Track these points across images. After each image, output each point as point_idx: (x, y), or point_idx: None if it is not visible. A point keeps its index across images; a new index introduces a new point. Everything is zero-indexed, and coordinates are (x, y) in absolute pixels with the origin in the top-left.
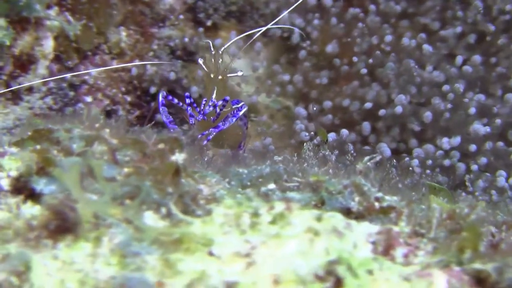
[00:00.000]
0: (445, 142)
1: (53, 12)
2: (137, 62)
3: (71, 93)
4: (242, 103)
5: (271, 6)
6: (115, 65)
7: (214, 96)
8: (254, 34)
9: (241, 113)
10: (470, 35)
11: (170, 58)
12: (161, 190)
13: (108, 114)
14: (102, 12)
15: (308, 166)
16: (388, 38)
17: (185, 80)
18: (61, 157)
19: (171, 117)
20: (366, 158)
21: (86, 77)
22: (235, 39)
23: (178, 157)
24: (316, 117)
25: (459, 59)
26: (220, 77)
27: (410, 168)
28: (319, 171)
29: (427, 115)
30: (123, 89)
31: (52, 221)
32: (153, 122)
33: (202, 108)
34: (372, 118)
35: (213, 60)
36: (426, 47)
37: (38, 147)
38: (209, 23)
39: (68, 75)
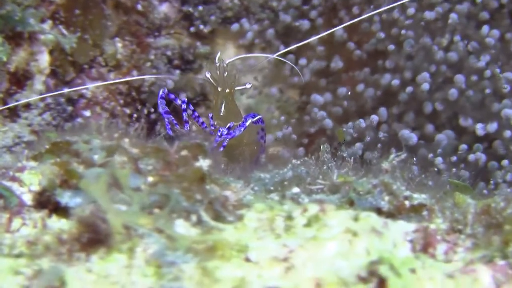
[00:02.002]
0: (480, 128)
1: (47, 26)
2: (137, 76)
3: (69, 108)
4: (259, 116)
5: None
6: (112, 77)
7: (222, 109)
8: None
9: (248, 122)
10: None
11: (168, 68)
12: (190, 197)
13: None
14: (97, 24)
15: (327, 168)
16: (411, 10)
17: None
18: (83, 169)
19: (167, 108)
20: (392, 156)
21: (84, 91)
22: (242, 56)
23: (203, 163)
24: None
25: (485, 29)
26: (227, 90)
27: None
28: (343, 172)
29: (452, 92)
30: (122, 101)
31: (83, 234)
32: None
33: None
34: (385, 104)
35: (218, 72)
36: (454, 16)
37: (58, 159)
38: (205, 30)
39: (67, 91)
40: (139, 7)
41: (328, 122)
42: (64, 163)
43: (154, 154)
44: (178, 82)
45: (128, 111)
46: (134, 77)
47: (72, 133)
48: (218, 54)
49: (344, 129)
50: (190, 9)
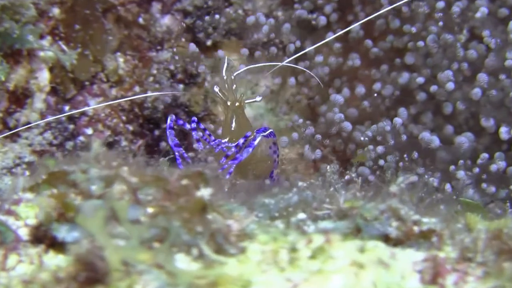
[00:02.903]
0: (504, 132)
1: (46, 42)
2: (141, 94)
3: (71, 126)
4: (270, 130)
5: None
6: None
7: (233, 124)
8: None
9: (256, 141)
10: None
11: (171, 83)
12: (191, 230)
13: (110, 145)
14: (98, 39)
15: (334, 190)
16: (441, 4)
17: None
18: (80, 200)
19: (177, 140)
20: (400, 179)
21: (85, 108)
22: (249, 66)
23: (204, 192)
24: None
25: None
26: (237, 103)
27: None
28: (351, 196)
29: (476, 91)
30: (124, 118)
31: (81, 272)
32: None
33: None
34: (401, 104)
35: (227, 86)
36: (483, 10)
37: (55, 191)
38: (209, 42)
39: (74, 112)
40: (141, 20)
41: (347, 125)
42: (61, 195)
43: (154, 183)
44: (181, 96)
45: (131, 128)
46: (140, 94)
47: (71, 161)
48: (225, 66)
49: (362, 152)
50: (193, 21)
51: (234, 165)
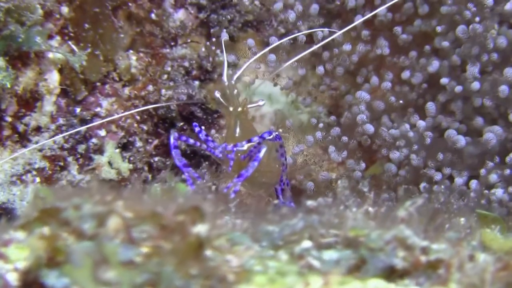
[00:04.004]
0: None
1: (55, 42)
2: (162, 103)
3: (83, 129)
4: (275, 133)
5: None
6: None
7: (237, 130)
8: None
9: (261, 154)
10: None
11: (186, 80)
12: (185, 274)
13: (125, 146)
14: (108, 38)
15: (345, 208)
16: None
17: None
18: (72, 240)
19: (184, 159)
20: (408, 203)
21: (98, 109)
22: (248, 63)
23: (201, 229)
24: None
25: None
26: (240, 109)
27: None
28: (358, 223)
29: (503, 89)
30: (138, 117)
31: None
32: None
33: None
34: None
35: (228, 91)
36: None
37: (46, 230)
38: (225, 36)
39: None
40: (153, 16)
41: (369, 127)
42: (51, 238)
43: (150, 219)
44: (197, 93)
45: (145, 127)
46: (158, 104)
47: (65, 193)
48: (225, 71)
49: (376, 164)
50: (207, 15)
51: (240, 183)
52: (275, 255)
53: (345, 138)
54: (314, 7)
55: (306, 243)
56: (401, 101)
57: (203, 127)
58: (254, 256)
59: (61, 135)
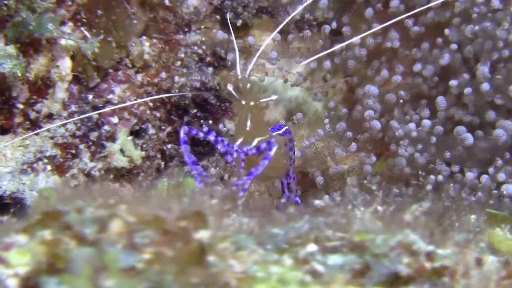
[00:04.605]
0: None
1: (67, 28)
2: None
3: (95, 116)
4: (285, 127)
5: None
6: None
7: (248, 124)
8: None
9: (272, 152)
10: None
11: (200, 66)
12: (185, 282)
13: (137, 133)
14: (121, 24)
15: (352, 208)
16: None
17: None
18: (74, 245)
19: (193, 156)
20: (414, 206)
21: (110, 96)
22: (259, 51)
23: (203, 235)
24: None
25: None
26: (252, 102)
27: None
28: (364, 224)
29: None
30: (151, 104)
31: None
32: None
33: (237, 148)
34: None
35: (241, 84)
36: None
37: (47, 234)
38: (239, 22)
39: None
40: (166, 2)
41: (376, 124)
42: (53, 243)
43: (152, 224)
44: (210, 80)
45: (158, 114)
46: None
47: (67, 197)
48: (238, 64)
49: (382, 160)
50: (221, 1)
51: (250, 181)
52: (279, 260)
53: (349, 134)
54: (323, 2)
55: (311, 247)
56: (406, 94)
57: (212, 132)
58: (257, 261)
59: (66, 121)
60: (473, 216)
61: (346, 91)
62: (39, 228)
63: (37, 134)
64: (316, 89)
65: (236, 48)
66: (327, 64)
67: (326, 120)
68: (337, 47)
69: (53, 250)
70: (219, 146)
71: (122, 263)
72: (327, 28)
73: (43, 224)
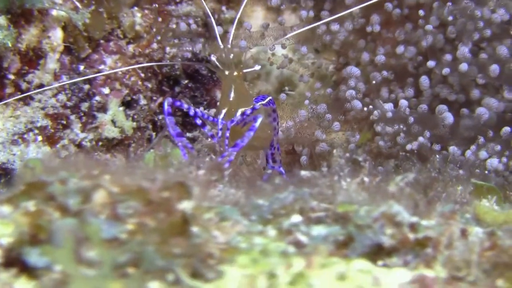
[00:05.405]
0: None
1: None
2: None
3: (86, 87)
4: (269, 98)
5: None
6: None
7: (232, 94)
8: None
9: (257, 124)
10: None
11: (191, 37)
12: (167, 253)
13: (129, 104)
14: None
15: (339, 179)
16: None
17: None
18: (57, 216)
19: (178, 128)
20: (398, 178)
21: (102, 67)
22: (234, 23)
23: (186, 206)
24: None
25: None
26: (235, 73)
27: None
28: (349, 195)
29: (494, 68)
30: (142, 75)
31: None
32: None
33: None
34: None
35: (224, 54)
36: None
37: (31, 205)
38: None
39: (96, 75)
40: None
41: (357, 104)
42: (36, 214)
43: (136, 194)
44: (202, 51)
45: (149, 85)
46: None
47: (52, 168)
48: (217, 33)
49: (365, 131)
50: None
51: (235, 152)
52: (263, 231)
53: (328, 116)
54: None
55: (296, 218)
56: (390, 74)
57: (198, 110)
58: (241, 232)
59: (52, 86)
60: (459, 187)
61: (333, 72)
62: (23, 199)
63: (27, 104)
64: (302, 70)
65: (212, 18)
66: (303, 50)
67: (306, 102)
68: (320, 22)
69: (36, 221)
70: (197, 121)
71: (105, 234)
72: (303, 14)
73: (27, 194)
